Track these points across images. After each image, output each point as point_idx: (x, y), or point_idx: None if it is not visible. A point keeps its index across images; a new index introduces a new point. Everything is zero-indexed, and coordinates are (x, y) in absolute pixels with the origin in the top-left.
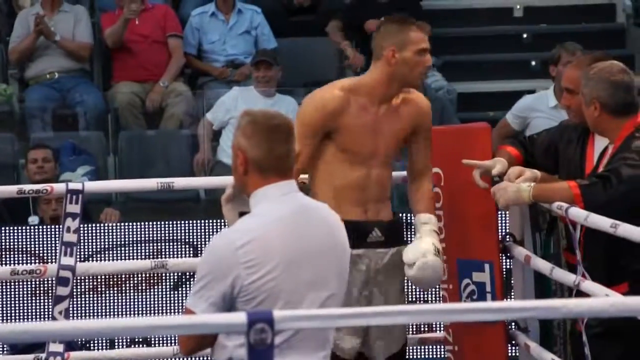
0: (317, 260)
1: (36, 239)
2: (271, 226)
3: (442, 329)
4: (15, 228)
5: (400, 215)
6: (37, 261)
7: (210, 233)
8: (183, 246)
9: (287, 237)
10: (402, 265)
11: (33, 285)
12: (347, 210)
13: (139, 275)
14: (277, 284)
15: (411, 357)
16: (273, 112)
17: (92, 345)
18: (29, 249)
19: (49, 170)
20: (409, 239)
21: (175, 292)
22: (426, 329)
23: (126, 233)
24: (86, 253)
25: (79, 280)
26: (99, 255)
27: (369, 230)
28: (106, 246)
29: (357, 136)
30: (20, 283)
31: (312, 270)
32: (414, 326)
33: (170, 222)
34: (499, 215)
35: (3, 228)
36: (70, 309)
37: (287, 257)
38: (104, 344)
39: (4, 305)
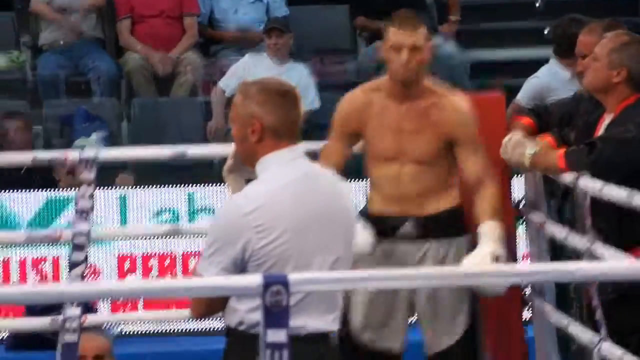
0: (324, 224)
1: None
2: (280, 191)
3: None
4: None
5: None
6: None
7: (224, 198)
8: (196, 211)
9: (295, 202)
10: (446, 260)
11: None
12: (385, 204)
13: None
14: (287, 248)
15: None
16: (276, 80)
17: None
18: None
19: (26, 144)
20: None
21: None
22: None
23: (140, 198)
24: (101, 218)
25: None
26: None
27: (399, 224)
28: (121, 211)
29: (379, 135)
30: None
31: (319, 235)
32: None
33: (184, 187)
34: (514, 181)
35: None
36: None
37: (296, 222)
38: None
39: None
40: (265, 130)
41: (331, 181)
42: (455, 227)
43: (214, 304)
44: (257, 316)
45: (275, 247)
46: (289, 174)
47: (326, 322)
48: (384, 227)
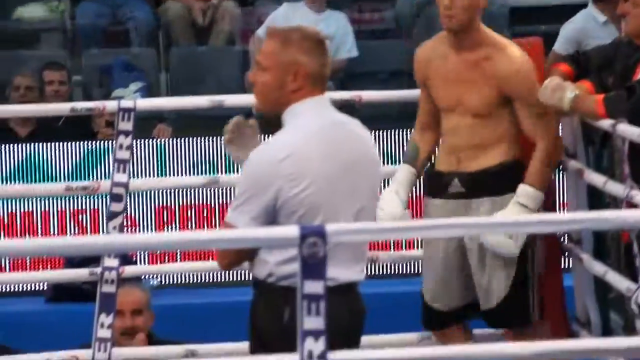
0: (352, 173)
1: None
2: (310, 139)
3: None
4: (70, 144)
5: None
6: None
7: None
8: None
9: (324, 150)
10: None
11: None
12: (442, 159)
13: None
14: (317, 197)
15: None
16: (309, 26)
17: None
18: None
19: (65, 95)
20: None
21: None
22: None
23: (179, 149)
24: (139, 169)
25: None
26: (152, 172)
27: (450, 180)
28: (159, 162)
29: (439, 85)
30: (76, 198)
31: (346, 183)
32: None
33: (222, 138)
34: None
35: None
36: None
37: (325, 170)
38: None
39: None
40: (307, 78)
41: (357, 130)
42: (507, 183)
43: (241, 254)
44: (287, 268)
45: (306, 196)
46: (319, 121)
47: (355, 273)
48: (438, 183)
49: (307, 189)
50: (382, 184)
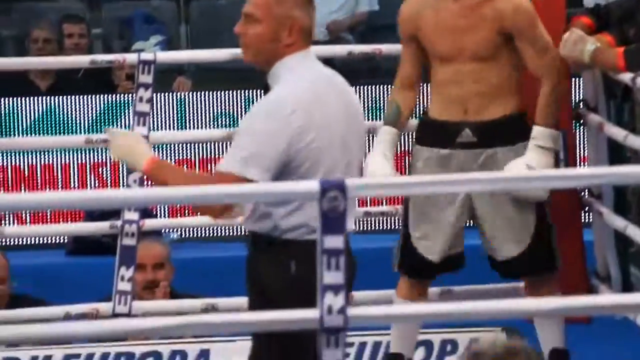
0: (342, 125)
1: (111, 108)
2: (309, 92)
3: None
4: (90, 97)
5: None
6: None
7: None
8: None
9: (321, 103)
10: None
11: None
12: (447, 107)
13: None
14: (320, 149)
15: None
16: None
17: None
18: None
19: (84, 47)
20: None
21: None
22: None
23: (198, 102)
24: (159, 122)
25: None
26: (171, 125)
27: (459, 130)
28: (179, 115)
29: (437, 35)
30: (96, 151)
31: (339, 136)
32: None
33: (243, 91)
34: (573, 83)
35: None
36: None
37: (324, 122)
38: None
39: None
40: (301, 32)
41: (343, 83)
42: (517, 133)
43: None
44: (293, 221)
45: (312, 149)
46: (312, 75)
47: (351, 223)
48: (443, 133)
49: (313, 142)
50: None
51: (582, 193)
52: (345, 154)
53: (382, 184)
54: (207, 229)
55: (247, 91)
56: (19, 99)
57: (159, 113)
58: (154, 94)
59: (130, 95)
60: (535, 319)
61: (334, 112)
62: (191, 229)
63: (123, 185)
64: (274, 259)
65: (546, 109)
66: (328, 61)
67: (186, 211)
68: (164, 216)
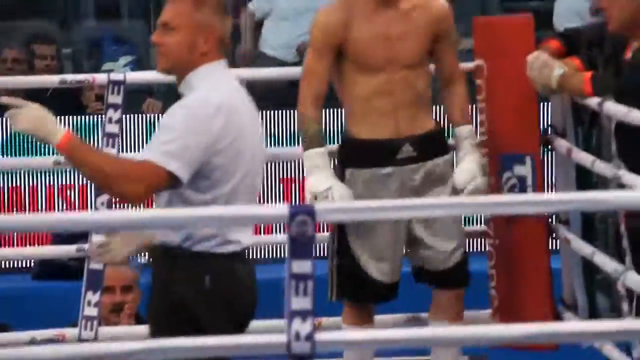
0: (253, 138)
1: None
2: (228, 98)
3: (483, 222)
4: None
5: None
6: None
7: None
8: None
9: (237, 112)
10: (446, 177)
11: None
12: (378, 123)
13: None
14: (237, 154)
15: None
16: None
17: None
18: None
19: (55, 69)
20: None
21: None
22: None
23: None
24: (128, 144)
25: None
26: (141, 146)
27: (399, 146)
28: (149, 137)
29: (367, 44)
30: (64, 173)
31: (250, 147)
32: None
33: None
34: (541, 108)
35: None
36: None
37: (240, 130)
38: None
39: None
40: (218, 41)
41: (249, 98)
42: (445, 141)
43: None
44: (207, 230)
45: (230, 152)
46: (227, 84)
47: (251, 238)
48: (381, 151)
49: (231, 145)
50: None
51: (550, 219)
52: (255, 166)
53: (354, 208)
54: None
55: None
56: None
57: (128, 134)
58: (124, 115)
59: (99, 116)
60: (433, 349)
61: (246, 123)
62: None
63: (91, 208)
64: (189, 273)
65: (466, 108)
66: (297, 83)
67: None
68: None
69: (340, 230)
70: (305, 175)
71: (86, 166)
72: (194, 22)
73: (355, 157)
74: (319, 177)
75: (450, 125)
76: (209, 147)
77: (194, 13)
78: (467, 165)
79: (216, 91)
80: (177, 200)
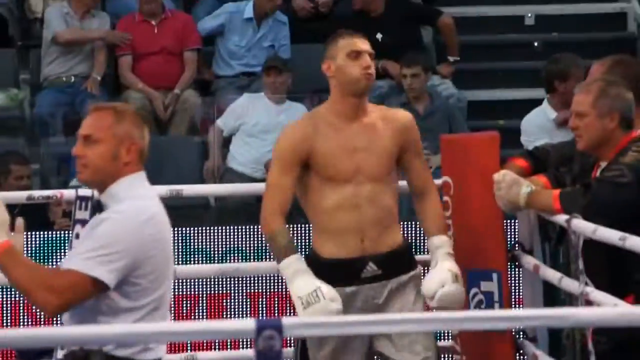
0: (171, 247)
1: (47, 245)
2: (155, 207)
3: (450, 337)
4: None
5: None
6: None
7: (220, 240)
8: (191, 252)
9: (162, 221)
10: (413, 294)
11: None
12: (343, 240)
13: None
14: (165, 262)
15: None
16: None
17: None
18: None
19: (27, 188)
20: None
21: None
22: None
23: None
24: None
25: None
26: None
27: (363, 265)
28: None
29: (333, 157)
30: None
31: (170, 256)
32: None
33: (180, 229)
34: (509, 225)
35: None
36: None
37: (166, 240)
38: None
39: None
40: (138, 153)
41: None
42: (412, 257)
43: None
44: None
45: (159, 260)
46: (151, 195)
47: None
48: (345, 271)
49: (160, 253)
50: None
51: (517, 335)
52: (171, 278)
53: (321, 323)
54: None
55: (184, 229)
56: None
57: None
58: None
59: (67, 232)
60: None
61: (168, 233)
62: None
63: (55, 324)
64: None
65: (440, 219)
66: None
67: None
68: None
69: (303, 346)
70: (287, 284)
71: (9, 278)
72: (115, 133)
73: (320, 275)
74: (304, 280)
75: (425, 235)
76: (138, 254)
77: (115, 125)
78: (436, 274)
79: (147, 200)
80: (103, 306)
